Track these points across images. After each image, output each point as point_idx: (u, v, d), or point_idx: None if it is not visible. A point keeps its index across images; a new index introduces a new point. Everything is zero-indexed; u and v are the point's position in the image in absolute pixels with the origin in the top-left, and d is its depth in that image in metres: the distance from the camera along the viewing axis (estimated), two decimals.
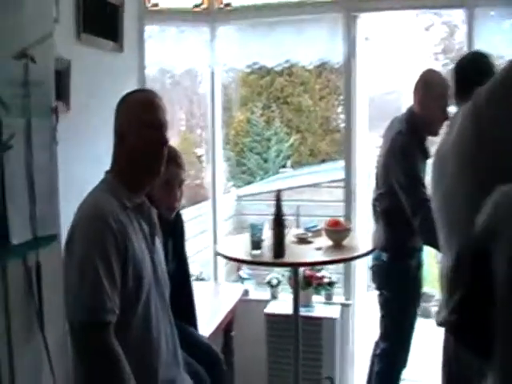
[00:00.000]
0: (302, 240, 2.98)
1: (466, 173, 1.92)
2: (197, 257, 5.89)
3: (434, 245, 2.31)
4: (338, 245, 2.86)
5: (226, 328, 3.38)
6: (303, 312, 3.22)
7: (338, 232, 2.87)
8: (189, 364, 2.28)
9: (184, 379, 2.03)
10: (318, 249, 2.79)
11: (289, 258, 2.63)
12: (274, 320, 3.80)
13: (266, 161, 12.28)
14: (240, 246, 2.85)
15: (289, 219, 2.80)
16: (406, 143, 2.88)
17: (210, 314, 3.23)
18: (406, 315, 3.03)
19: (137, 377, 1.70)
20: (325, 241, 2.92)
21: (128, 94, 1.97)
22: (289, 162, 11.97)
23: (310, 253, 2.78)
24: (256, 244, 2.69)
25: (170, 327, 1.96)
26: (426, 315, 5.19)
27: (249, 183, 11.28)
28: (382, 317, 3.11)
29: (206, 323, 3.02)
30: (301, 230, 3.19)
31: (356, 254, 2.76)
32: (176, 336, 1.99)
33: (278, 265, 3.09)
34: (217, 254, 2.85)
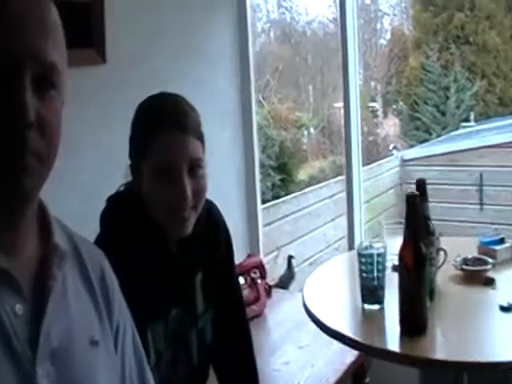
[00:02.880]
0: (473, 275, 1.57)
1: None
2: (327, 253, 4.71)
3: None
4: None
5: (357, 371, 2.26)
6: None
7: None
8: None
9: None
10: (506, 309, 1.35)
11: (437, 332, 1.25)
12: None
13: (443, 114, 10.73)
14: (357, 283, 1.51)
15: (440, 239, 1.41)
16: None
17: (334, 351, 2.12)
18: None
19: None
20: None
21: None
22: (472, 115, 10.19)
23: (487, 316, 1.36)
24: (371, 293, 1.36)
25: None
26: None
27: (424, 141, 9.81)
28: None
29: (329, 368, 1.98)
30: (473, 243, 1.77)
31: None
32: None
33: (407, 359, 1.56)
34: (305, 308, 1.54)
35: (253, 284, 2.80)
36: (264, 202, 5.20)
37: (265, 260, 3.58)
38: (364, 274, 1.39)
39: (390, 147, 8.47)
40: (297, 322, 2.45)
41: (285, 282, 3.22)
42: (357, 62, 3.15)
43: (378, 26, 12.79)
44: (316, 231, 4.90)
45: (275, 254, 4.32)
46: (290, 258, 3.31)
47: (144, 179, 1.28)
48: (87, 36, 2.09)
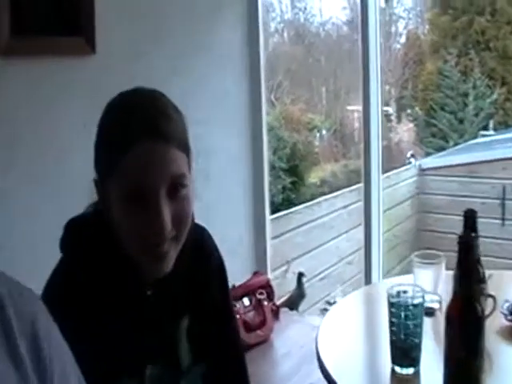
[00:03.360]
0: None
1: None
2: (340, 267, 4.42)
3: None
4: None
5: None
6: None
7: None
8: None
9: None
10: None
11: None
12: None
13: (461, 121, 10.33)
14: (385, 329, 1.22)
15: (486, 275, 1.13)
16: None
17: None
18: None
19: None
20: None
21: None
22: (491, 123, 9.79)
23: None
24: (403, 353, 1.09)
25: None
26: None
27: (440, 149, 9.50)
28: None
29: None
30: None
31: None
32: None
33: None
34: (322, 370, 1.24)
35: (258, 306, 2.55)
36: (274, 205, 4.91)
37: (273, 275, 3.32)
38: (394, 328, 1.09)
39: (408, 155, 8.13)
40: (307, 350, 2.22)
41: (294, 301, 2.96)
42: (378, 64, 2.92)
43: (393, 29, 12.55)
44: (328, 243, 4.61)
45: (284, 268, 4.05)
46: (300, 275, 3.05)
47: (111, 202, 0.98)
48: (75, 22, 1.83)
